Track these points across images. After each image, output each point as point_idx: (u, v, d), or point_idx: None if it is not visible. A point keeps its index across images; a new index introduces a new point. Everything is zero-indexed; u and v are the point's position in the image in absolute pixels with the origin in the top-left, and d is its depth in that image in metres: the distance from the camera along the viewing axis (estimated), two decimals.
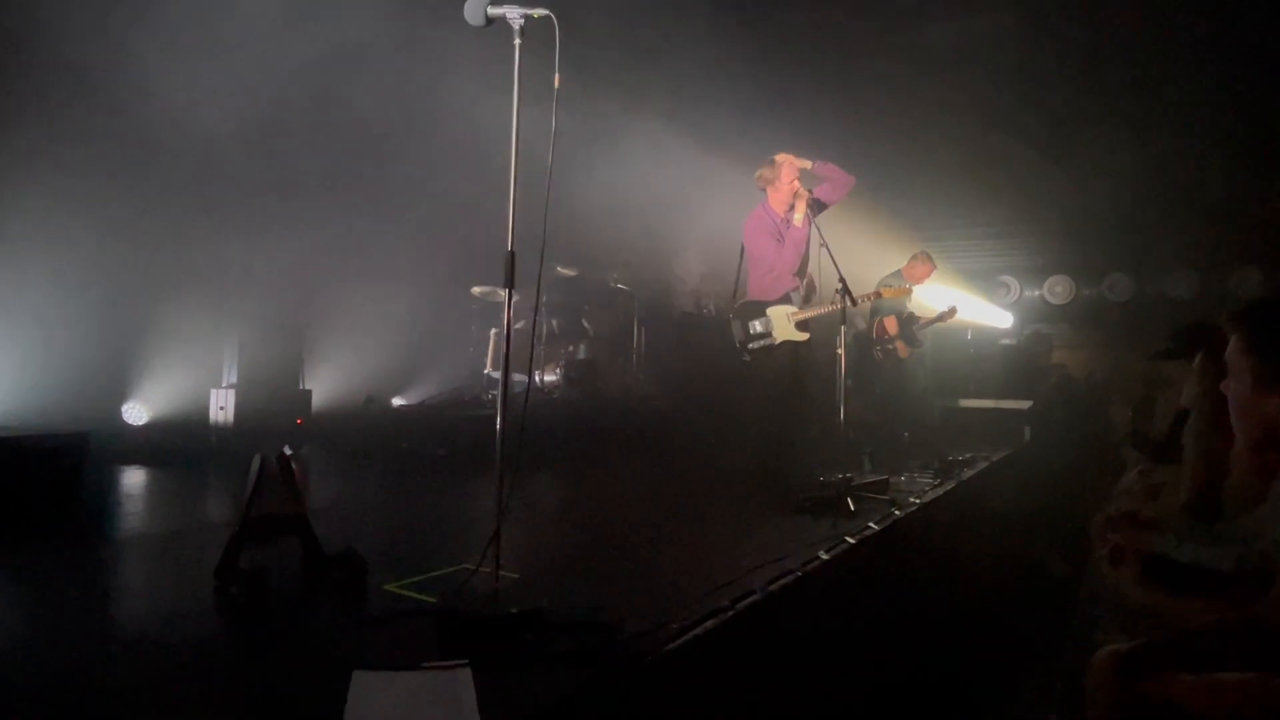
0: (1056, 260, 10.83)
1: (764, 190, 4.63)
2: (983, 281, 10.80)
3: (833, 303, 4.21)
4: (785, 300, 4.52)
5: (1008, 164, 9.53)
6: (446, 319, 7.52)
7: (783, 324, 4.49)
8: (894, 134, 9.66)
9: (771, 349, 4.48)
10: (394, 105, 6.16)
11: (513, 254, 2.35)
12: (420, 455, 5.52)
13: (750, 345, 4.50)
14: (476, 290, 7.24)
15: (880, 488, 4.38)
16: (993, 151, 9.42)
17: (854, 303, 4.11)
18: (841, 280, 4.07)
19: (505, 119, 2.37)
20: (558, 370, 7.25)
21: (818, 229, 4.25)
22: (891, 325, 6.76)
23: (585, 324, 7.61)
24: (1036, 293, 10.84)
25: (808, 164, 4.54)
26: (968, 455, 5.85)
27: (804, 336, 4.49)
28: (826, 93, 7.33)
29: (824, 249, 4.12)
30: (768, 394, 4.51)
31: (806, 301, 4.59)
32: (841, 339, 4.13)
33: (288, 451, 4.52)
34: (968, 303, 9.18)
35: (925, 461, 5.44)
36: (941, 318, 6.98)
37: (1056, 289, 10.72)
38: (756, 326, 4.50)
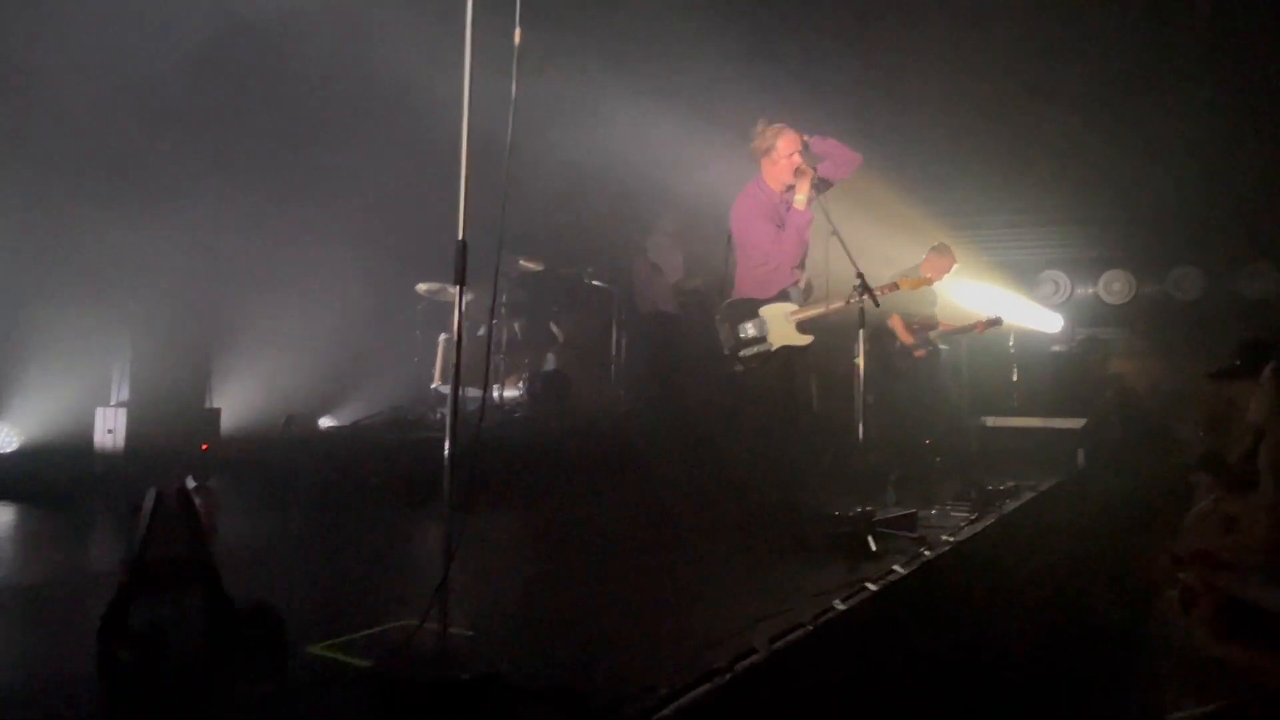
0: (1113, 253, 10.95)
1: (758, 164, 4.62)
2: (1027, 277, 10.91)
3: (848, 299, 4.23)
4: (783, 297, 4.52)
5: (1057, 141, 9.67)
6: (386, 323, 7.52)
7: (780, 326, 4.48)
8: (921, 102, 9.75)
9: (767, 357, 4.48)
10: (324, 74, 6.17)
11: (464, 243, 2.36)
12: (352, 487, 5.47)
13: (741, 353, 4.50)
14: (422, 288, 7.26)
15: (907, 523, 4.41)
16: (1039, 126, 9.55)
17: (875, 302, 4.10)
18: (860, 275, 4.08)
19: (455, 85, 2.38)
20: (520, 384, 7.27)
21: (825, 213, 4.24)
22: (898, 325, 6.81)
23: (553, 328, 7.66)
24: (1090, 290, 10.97)
25: (804, 139, 4.54)
26: (1010, 484, 5.89)
27: (806, 340, 4.49)
28: (838, 50, 7.39)
29: (835, 237, 4.13)
30: (764, 411, 4.52)
31: (807, 300, 4.60)
32: (860, 345, 4.14)
33: (190, 484, 4.48)
34: (1009, 303, 9.28)
35: (960, 491, 5.46)
36: (977, 327, 7.04)
37: (1114, 286, 10.85)
38: (748, 330, 4.51)
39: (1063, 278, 11.02)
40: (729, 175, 4.94)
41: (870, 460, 4.26)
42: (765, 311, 4.51)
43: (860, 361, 4.19)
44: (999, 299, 9.08)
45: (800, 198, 4.51)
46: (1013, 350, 9.48)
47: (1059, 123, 9.04)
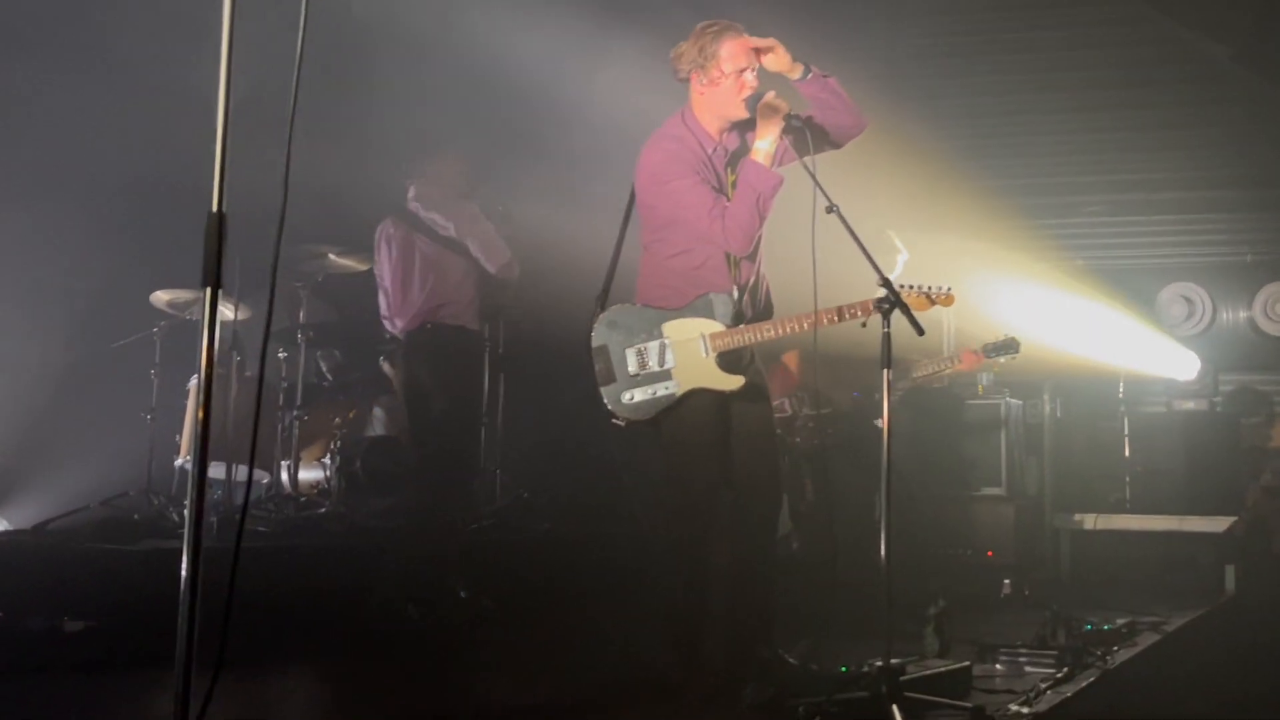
0: (1278, 257, 11.27)
1: (686, 89, 4.61)
2: (1143, 294, 11.14)
3: (852, 313, 4.30)
4: (701, 308, 4.49)
5: (1193, 80, 10.06)
6: (98, 357, 7.50)
7: (691, 357, 4.43)
8: (975, 26, 10.13)
9: (670, 409, 4.45)
10: None
11: (221, 216, 2.38)
12: (31, 633, 5.31)
13: (630, 398, 4.43)
14: (163, 298, 7.25)
15: (957, 684, 4.45)
16: (1159, 58, 9.96)
17: (917, 327, 4.12)
18: (885, 282, 4.11)
19: None
20: (327, 458, 7.16)
21: (817, 184, 4.25)
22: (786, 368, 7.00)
23: (385, 367, 7.61)
24: (1243, 315, 11.20)
25: (775, 52, 4.50)
26: (1121, 621, 5.96)
27: (734, 384, 4.48)
28: None
29: (833, 213, 4.16)
30: (696, 503, 4.53)
31: (754, 314, 4.60)
32: (885, 397, 4.14)
33: None
34: (1114, 333, 9.45)
35: (1042, 633, 5.51)
36: (961, 360, 7.13)
37: (1277, 309, 11.12)
38: (642, 358, 4.45)
39: (1200, 295, 11.24)
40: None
41: (898, 584, 4.26)
42: (671, 330, 4.45)
43: (885, 423, 4.19)
44: (1096, 326, 9.24)
45: (764, 144, 4.45)
46: (1122, 409, 9.64)
47: (1192, 56, 9.48)
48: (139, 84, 7.15)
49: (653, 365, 4.43)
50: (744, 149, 4.63)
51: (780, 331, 4.46)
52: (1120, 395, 9.56)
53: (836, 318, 4.35)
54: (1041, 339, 8.84)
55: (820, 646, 4.95)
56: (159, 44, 6.91)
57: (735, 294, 4.54)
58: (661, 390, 4.42)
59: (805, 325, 4.39)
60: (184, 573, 2.34)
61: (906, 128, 8.82)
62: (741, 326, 4.48)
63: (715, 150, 4.59)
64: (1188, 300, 10.97)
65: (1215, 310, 10.94)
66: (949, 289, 4.64)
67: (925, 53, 10.94)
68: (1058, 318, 9.02)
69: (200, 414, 2.40)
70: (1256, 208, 10.73)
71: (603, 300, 4.64)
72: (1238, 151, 10.36)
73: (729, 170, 4.60)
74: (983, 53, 10.55)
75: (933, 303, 4.58)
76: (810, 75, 4.52)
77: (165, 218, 7.44)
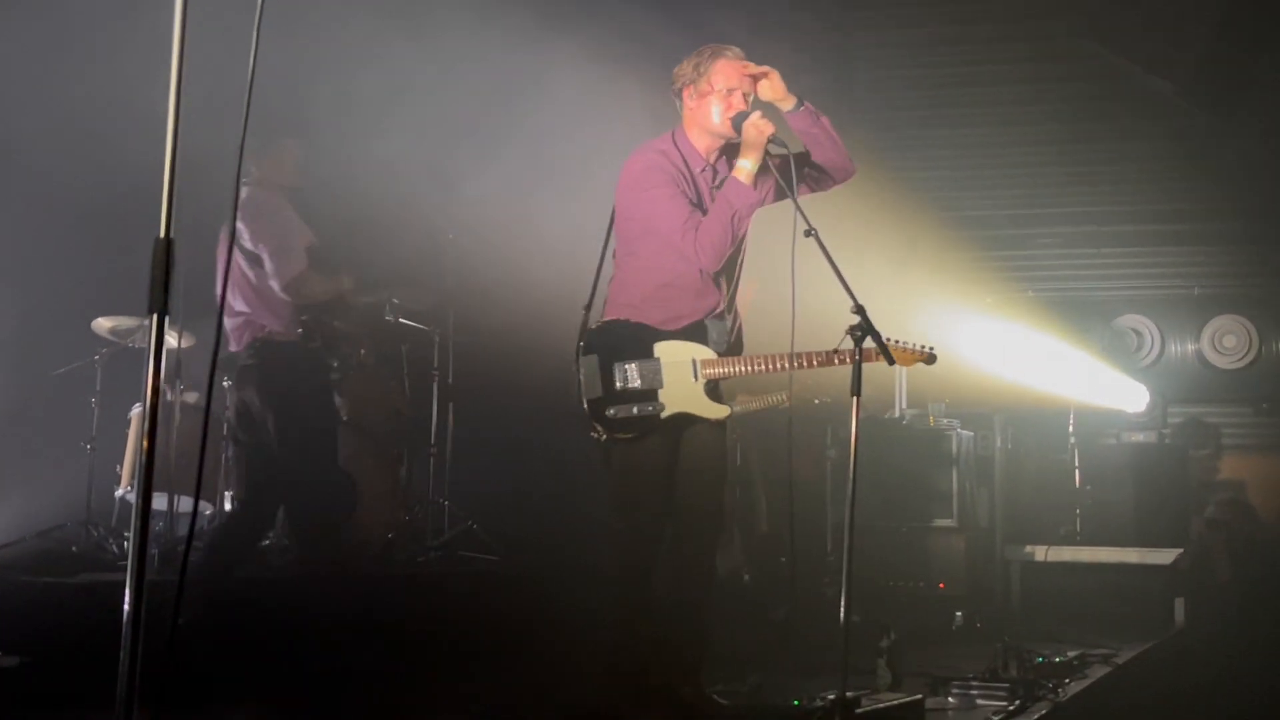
0: (1225, 292, 11.39)
1: (678, 110, 4.65)
2: (1093, 325, 11.23)
3: (838, 355, 4.29)
4: (696, 332, 4.49)
5: (1146, 120, 10.20)
6: (36, 383, 7.43)
7: (681, 380, 4.42)
8: (926, 60, 10.23)
9: (654, 429, 4.42)
10: None
11: (168, 241, 2.35)
12: None
13: (612, 414, 4.38)
14: (105, 325, 7.21)
15: (910, 717, 4.48)
16: (1109, 94, 10.10)
17: (889, 358, 4.17)
18: (859, 309, 4.08)
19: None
20: None
21: (798, 207, 4.23)
22: None
23: (335, 398, 7.49)
24: (1191, 347, 11.34)
25: (769, 78, 4.54)
26: (1072, 654, 5.99)
27: (718, 414, 4.51)
28: None
29: (811, 236, 4.14)
30: (641, 531, 4.50)
31: (733, 342, 4.61)
32: (854, 421, 4.12)
33: None
34: (1065, 364, 9.52)
35: (993, 664, 5.50)
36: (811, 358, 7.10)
37: (1225, 341, 11.23)
38: (630, 375, 4.40)
39: (1149, 328, 11.35)
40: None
41: (852, 616, 4.22)
42: (663, 350, 4.44)
43: (851, 451, 4.15)
44: (1046, 357, 9.31)
45: (747, 164, 4.45)
46: (1072, 441, 9.69)
47: (1140, 92, 9.63)
48: (83, 106, 7.09)
49: (642, 383, 4.39)
50: (716, 163, 4.64)
51: (771, 368, 4.46)
52: (1071, 427, 9.60)
53: (818, 362, 4.35)
54: (992, 370, 8.92)
55: (771, 680, 4.94)
56: (106, 63, 6.85)
57: (725, 319, 4.56)
58: (648, 409, 4.38)
59: (799, 363, 4.38)
60: (126, 606, 2.28)
61: (857, 160, 8.90)
62: (734, 357, 4.51)
63: (704, 170, 4.59)
64: (1137, 333, 11.07)
65: (1164, 343, 11.05)
66: (932, 348, 4.60)
67: (877, 87, 11.07)
68: (1008, 349, 9.09)
69: (145, 443, 2.34)
70: (1203, 241, 10.89)
71: (589, 309, 4.60)
72: (1184, 186, 10.53)
73: (714, 193, 4.58)
74: (933, 88, 10.67)
75: (915, 359, 4.54)
76: (802, 108, 4.54)
77: (107, 242, 7.39)
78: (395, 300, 7.69)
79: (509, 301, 7.47)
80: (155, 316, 2.28)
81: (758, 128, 4.41)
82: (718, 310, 4.56)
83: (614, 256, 4.66)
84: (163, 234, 2.32)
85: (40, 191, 7.35)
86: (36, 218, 7.39)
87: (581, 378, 4.41)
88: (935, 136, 10.84)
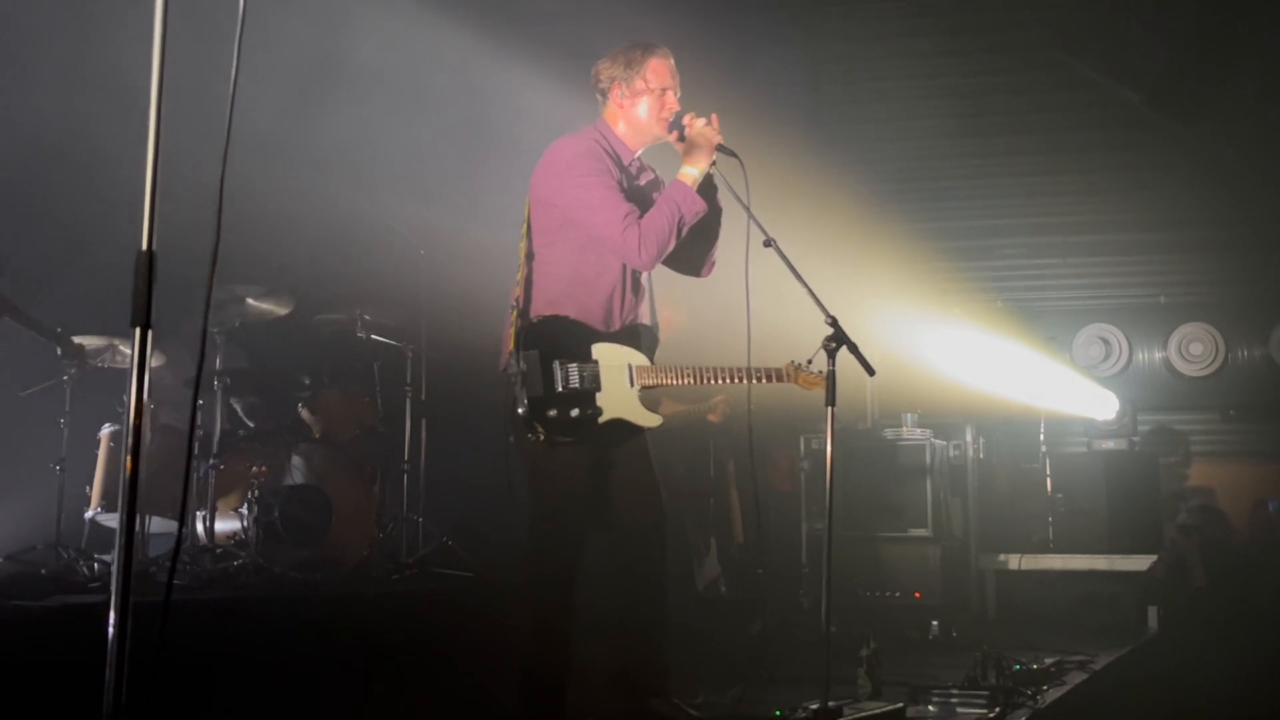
0: (1191, 300, 11.48)
1: (603, 100, 4.55)
2: (1062, 334, 11.28)
3: (808, 377, 4.34)
4: (629, 336, 4.44)
5: (1108, 128, 10.28)
6: (3, 404, 7.37)
7: (618, 385, 4.35)
8: (892, 72, 10.28)
9: (590, 434, 4.32)
10: None
11: (151, 254, 2.36)
12: None
13: (553, 415, 4.23)
14: (82, 344, 7.08)
15: None
16: (1076, 104, 10.17)
17: (869, 368, 4.13)
18: (832, 320, 4.08)
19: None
20: (245, 509, 7.03)
21: (751, 217, 4.22)
22: None
23: (303, 413, 7.58)
24: (1158, 355, 11.42)
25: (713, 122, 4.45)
26: (1049, 661, 6.02)
27: (653, 421, 4.46)
28: None
29: (771, 246, 4.13)
30: (566, 534, 4.40)
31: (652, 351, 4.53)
32: (829, 435, 4.14)
33: None
34: (1034, 373, 9.56)
35: (971, 673, 5.52)
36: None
37: (1192, 349, 11.31)
38: (570, 376, 4.27)
39: (1116, 336, 11.43)
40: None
41: (831, 626, 4.22)
42: (601, 353, 4.34)
43: (828, 462, 4.17)
44: (1016, 366, 9.36)
45: (693, 171, 4.36)
46: (1043, 449, 9.74)
47: (1107, 98, 9.72)
48: (52, 125, 7.05)
49: (581, 385, 4.27)
50: (657, 182, 4.62)
51: (705, 381, 4.42)
52: (1041, 435, 9.68)
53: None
54: (963, 380, 8.96)
55: (752, 691, 4.93)
56: (77, 80, 6.84)
57: (656, 332, 4.53)
58: (588, 412, 4.27)
59: (734, 379, 4.36)
60: (111, 628, 2.28)
61: (826, 171, 8.97)
62: (670, 366, 4.43)
63: (631, 163, 4.54)
64: (1104, 341, 11.15)
65: (1132, 351, 11.15)
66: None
67: (844, 98, 11.11)
68: (978, 358, 9.14)
69: (129, 459, 2.33)
70: (1168, 250, 11.00)
71: (523, 309, 4.43)
72: (1150, 195, 10.62)
73: (640, 192, 4.53)
74: (900, 98, 10.69)
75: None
76: (713, 183, 4.47)
77: (76, 261, 7.33)
78: (366, 316, 7.70)
79: (481, 317, 7.42)
80: (138, 331, 2.27)
81: (705, 135, 4.36)
82: (639, 317, 4.53)
83: (530, 251, 4.48)
84: (145, 247, 2.32)
85: (6, 209, 7.26)
86: (3, 236, 7.32)
87: (521, 374, 4.23)
88: (902, 148, 10.86)
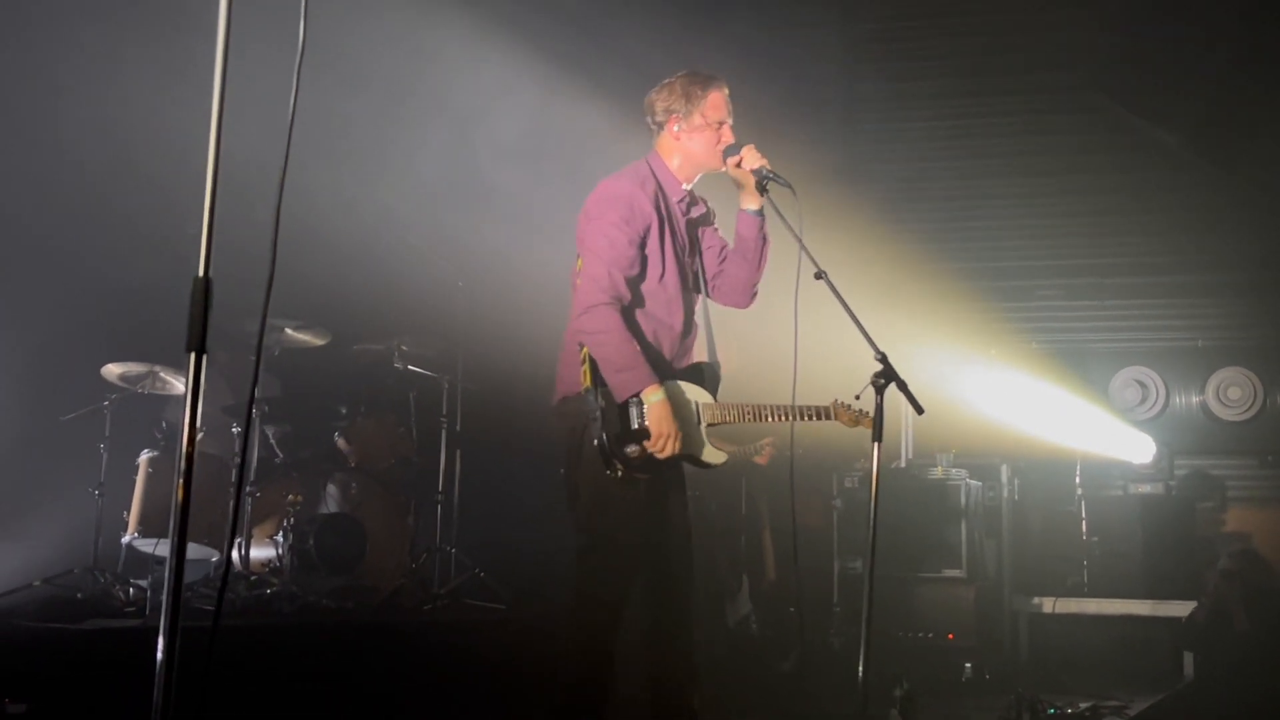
0: (1230, 344, 11.40)
1: (658, 130, 4.52)
2: (1098, 378, 11.25)
3: (851, 414, 4.34)
4: (694, 374, 4.44)
5: (1147, 171, 10.25)
6: (43, 430, 7.43)
7: (688, 422, 4.33)
8: (929, 111, 10.30)
9: (659, 470, 4.32)
10: None
11: (208, 280, 2.38)
12: None
13: (632, 451, 4.21)
14: (114, 371, 7.20)
15: None
16: (1117, 146, 10.16)
17: (918, 406, 4.05)
18: (881, 357, 4.02)
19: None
20: (280, 537, 7.08)
21: (803, 247, 4.17)
22: None
23: (340, 442, 7.62)
24: (1195, 399, 11.34)
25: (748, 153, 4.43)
26: (1083, 705, 6.03)
27: (719, 459, 4.46)
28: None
29: (822, 279, 4.07)
30: (662, 569, 4.41)
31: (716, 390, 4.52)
32: (874, 472, 4.09)
33: None
34: (1070, 416, 9.51)
35: (1006, 715, 5.64)
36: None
37: (1230, 393, 11.23)
38: (646, 413, 4.23)
39: (1154, 379, 11.35)
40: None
41: (865, 665, 4.17)
42: (671, 390, 4.31)
43: (872, 499, 4.11)
44: (1052, 408, 9.31)
45: (752, 206, 4.43)
46: (1079, 491, 9.68)
47: (1147, 144, 9.71)
48: (92, 153, 7.14)
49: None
50: (709, 215, 4.61)
51: (765, 419, 4.42)
52: (1077, 478, 9.61)
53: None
54: (998, 420, 8.91)
55: None
56: (118, 110, 6.94)
57: (717, 365, 4.52)
58: (646, 449, 4.22)
59: (786, 417, 4.37)
60: (159, 653, 2.29)
61: (863, 213, 8.98)
62: (734, 404, 4.43)
63: (682, 199, 4.50)
64: (1141, 384, 11.05)
65: (1169, 394, 11.03)
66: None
67: (881, 138, 11.11)
68: (1014, 400, 9.09)
69: (180, 485, 2.36)
70: (1206, 293, 10.89)
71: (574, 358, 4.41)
72: (1188, 238, 10.54)
73: (690, 225, 4.53)
74: (938, 139, 10.69)
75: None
76: (760, 215, 4.50)
77: (117, 289, 7.41)
78: (404, 347, 7.75)
79: (517, 348, 7.46)
80: (193, 356, 2.29)
81: (751, 163, 4.33)
82: (699, 354, 4.51)
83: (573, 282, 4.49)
84: (201, 273, 2.33)
85: (47, 239, 7.41)
86: (46, 265, 7.46)
87: (600, 410, 4.20)
88: (938, 188, 10.86)
